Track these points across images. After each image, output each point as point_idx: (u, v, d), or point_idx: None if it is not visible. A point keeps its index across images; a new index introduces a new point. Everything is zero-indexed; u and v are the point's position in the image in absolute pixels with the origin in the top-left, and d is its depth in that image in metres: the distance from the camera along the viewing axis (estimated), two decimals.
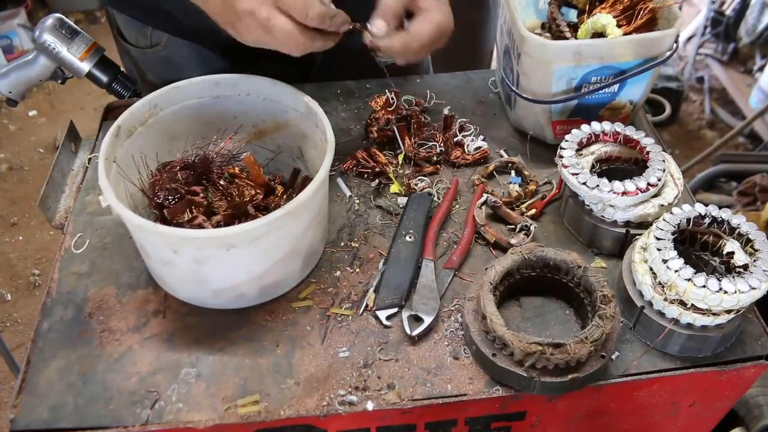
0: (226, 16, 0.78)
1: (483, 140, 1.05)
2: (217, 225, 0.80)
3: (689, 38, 3.38)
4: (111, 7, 1.14)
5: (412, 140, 1.03)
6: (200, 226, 0.80)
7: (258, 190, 0.86)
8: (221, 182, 0.85)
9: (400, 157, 1.01)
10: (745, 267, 0.75)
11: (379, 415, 0.73)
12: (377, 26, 0.81)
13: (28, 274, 2.34)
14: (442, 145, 1.03)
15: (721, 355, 0.78)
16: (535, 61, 0.93)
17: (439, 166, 1.02)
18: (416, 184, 0.98)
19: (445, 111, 1.04)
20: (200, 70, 0.92)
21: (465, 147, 1.04)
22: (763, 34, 3.07)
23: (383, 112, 1.03)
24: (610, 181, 0.84)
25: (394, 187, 0.97)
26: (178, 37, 1.09)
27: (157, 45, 1.11)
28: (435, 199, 0.96)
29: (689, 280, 0.72)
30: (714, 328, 0.75)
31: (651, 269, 0.76)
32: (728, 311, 0.73)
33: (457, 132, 1.06)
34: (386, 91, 1.03)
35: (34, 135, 2.96)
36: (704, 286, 0.71)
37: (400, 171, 1.00)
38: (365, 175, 1.00)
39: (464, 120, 1.09)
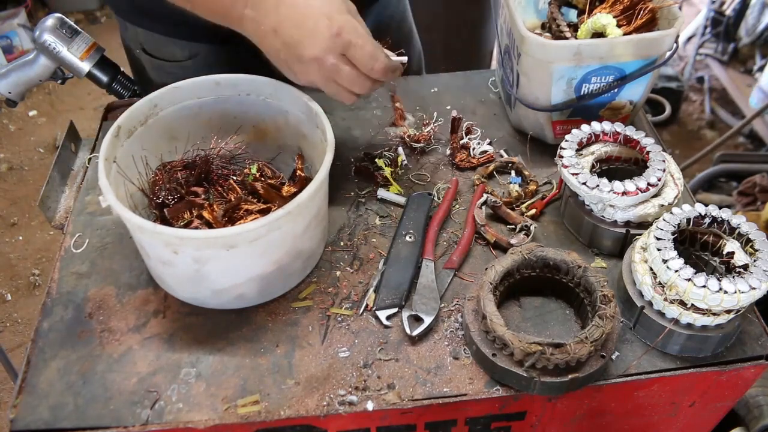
0: (286, 57, 0.80)
1: (489, 144, 1.05)
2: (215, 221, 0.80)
3: (689, 38, 3.38)
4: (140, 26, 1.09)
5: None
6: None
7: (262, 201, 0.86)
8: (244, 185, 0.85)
9: (399, 159, 1.01)
10: (745, 267, 0.75)
11: (379, 415, 0.73)
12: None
13: (28, 274, 2.33)
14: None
15: (721, 355, 0.78)
16: (535, 61, 0.93)
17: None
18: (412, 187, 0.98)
19: (453, 113, 1.04)
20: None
21: (470, 150, 1.04)
22: (763, 34, 3.06)
23: None
24: (610, 181, 0.84)
25: (393, 189, 0.98)
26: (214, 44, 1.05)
27: (196, 56, 1.08)
28: (435, 199, 0.96)
29: (689, 280, 0.72)
30: (714, 328, 0.75)
31: (651, 269, 0.76)
32: (728, 311, 0.73)
33: (464, 135, 1.07)
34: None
35: (34, 135, 2.95)
36: (704, 286, 0.71)
37: (401, 173, 1.00)
38: (365, 176, 1.00)
39: (471, 123, 1.09)
